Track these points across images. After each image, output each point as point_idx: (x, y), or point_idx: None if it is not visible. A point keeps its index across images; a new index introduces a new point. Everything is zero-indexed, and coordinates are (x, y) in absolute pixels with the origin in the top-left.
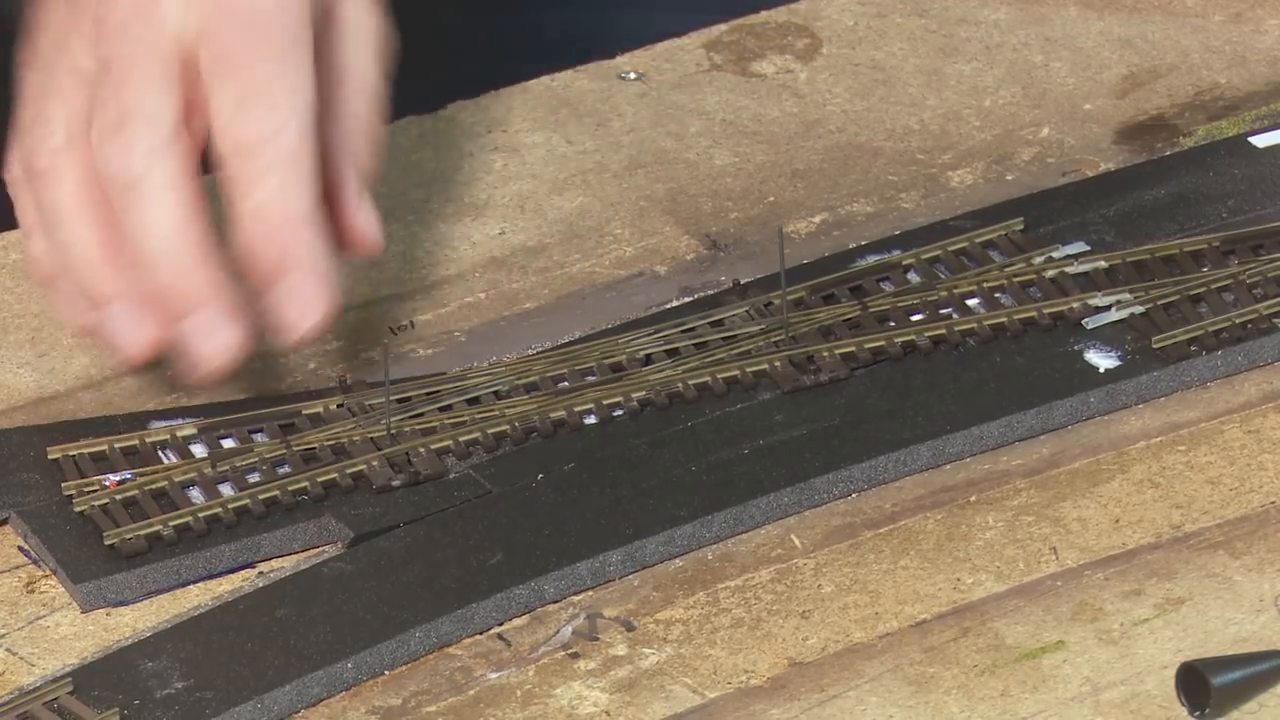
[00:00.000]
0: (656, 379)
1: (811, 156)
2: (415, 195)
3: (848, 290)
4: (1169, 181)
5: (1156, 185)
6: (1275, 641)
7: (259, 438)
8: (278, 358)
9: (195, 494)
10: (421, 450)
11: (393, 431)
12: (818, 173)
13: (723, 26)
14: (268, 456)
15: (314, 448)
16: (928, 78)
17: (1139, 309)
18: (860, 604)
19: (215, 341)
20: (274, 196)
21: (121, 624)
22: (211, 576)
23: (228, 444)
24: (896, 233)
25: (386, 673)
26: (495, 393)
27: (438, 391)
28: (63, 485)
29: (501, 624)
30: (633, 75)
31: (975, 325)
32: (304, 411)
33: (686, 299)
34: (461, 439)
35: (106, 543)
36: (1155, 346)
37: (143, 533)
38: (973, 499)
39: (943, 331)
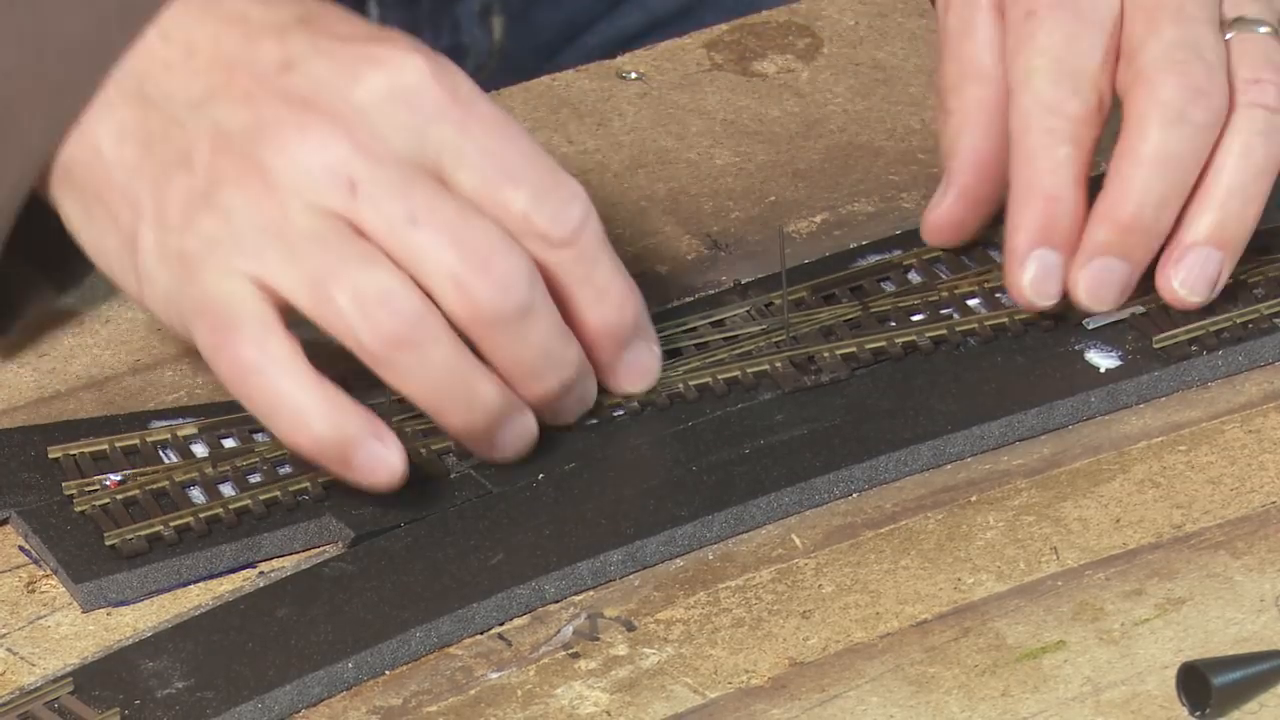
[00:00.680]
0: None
1: (812, 156)
2: None
3: (849, 290)
4: None
5: None
6: (1276, 641)
7: (260, 437)
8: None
9: (196, 494)
10: (423, 450)
11: (400, 435)
12: (819, 172)
13: (723, 26)
14: (269, 456)
15: None
16: (929, 77)
17: (1140, 309)
18: (861, 604)
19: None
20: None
21: (122, 624)
22: (212, 576)
23: (229, 444)
24: (898, 232)
25: (387, 672)
26: None
27: None
28: (63, 485)
29: (502, 624)
30: (633, 75)
31: (976, 325)
32: None
33: (687, 299)
34: None
35: (107, 543)
36: (1156, 346)
37: (143, 533)
38: (973, 499)
39: (944, 332)
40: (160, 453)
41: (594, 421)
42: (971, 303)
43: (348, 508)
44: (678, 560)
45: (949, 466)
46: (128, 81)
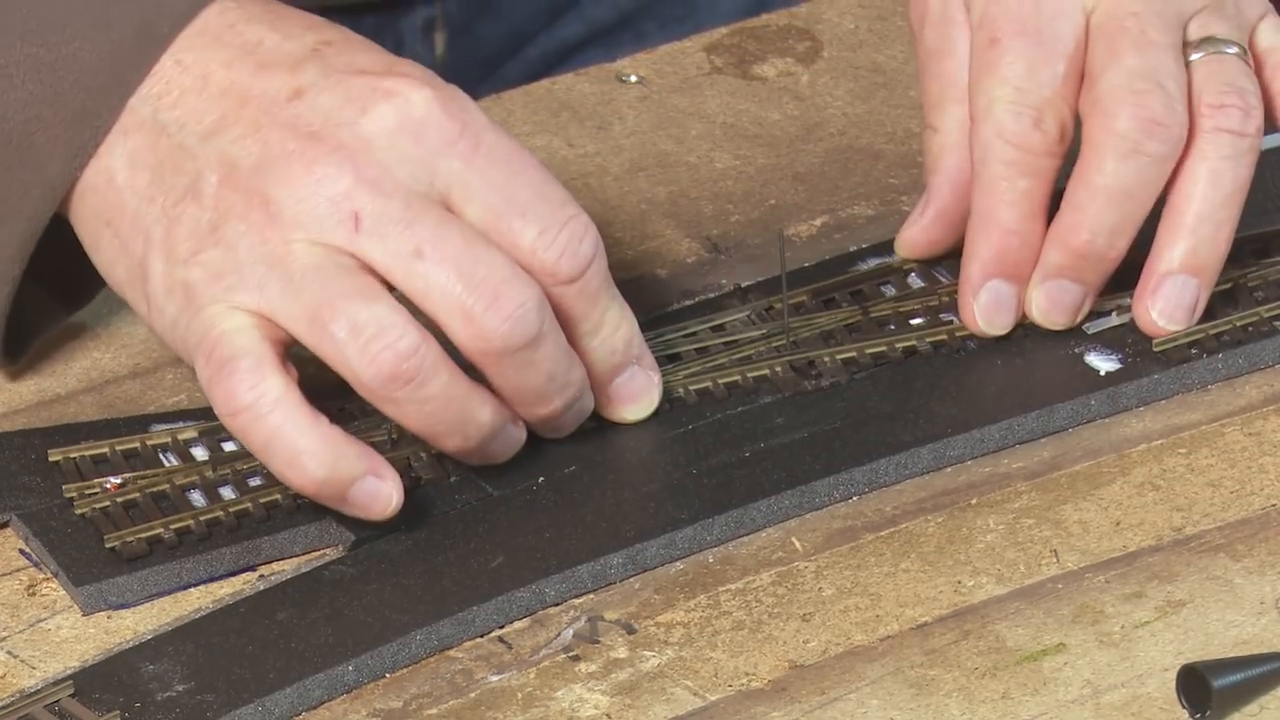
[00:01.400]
0: None
1: (812, 159)
2: None
3: (849, 294)
4: None
5: None
6: (1276, 644)
7: None
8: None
9: (196, 497)
10: (423, 454)
11: (394, 436)
12: (819, 176)
13: (723, 30)
14: None
15: None
16: None
17: None
18: (861, 607)
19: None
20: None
21: (122, 627)
22: (212, 579)
23: (229, 447)
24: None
25: (387, 675)
26: None
27: None
28: (64, 488)
29: (502, 627)
30: (634, 78)
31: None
32: None
33: (687, 302)
34: None
35: (107, 545)
36: (1156, 349)
37: (144, 535)
38: (973, 502)
39: (944, 336)
40: (160, 456)
41: (594, 425)
42: None
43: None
44: (678, 563)
45: (949, 469)
46: (142, 108)
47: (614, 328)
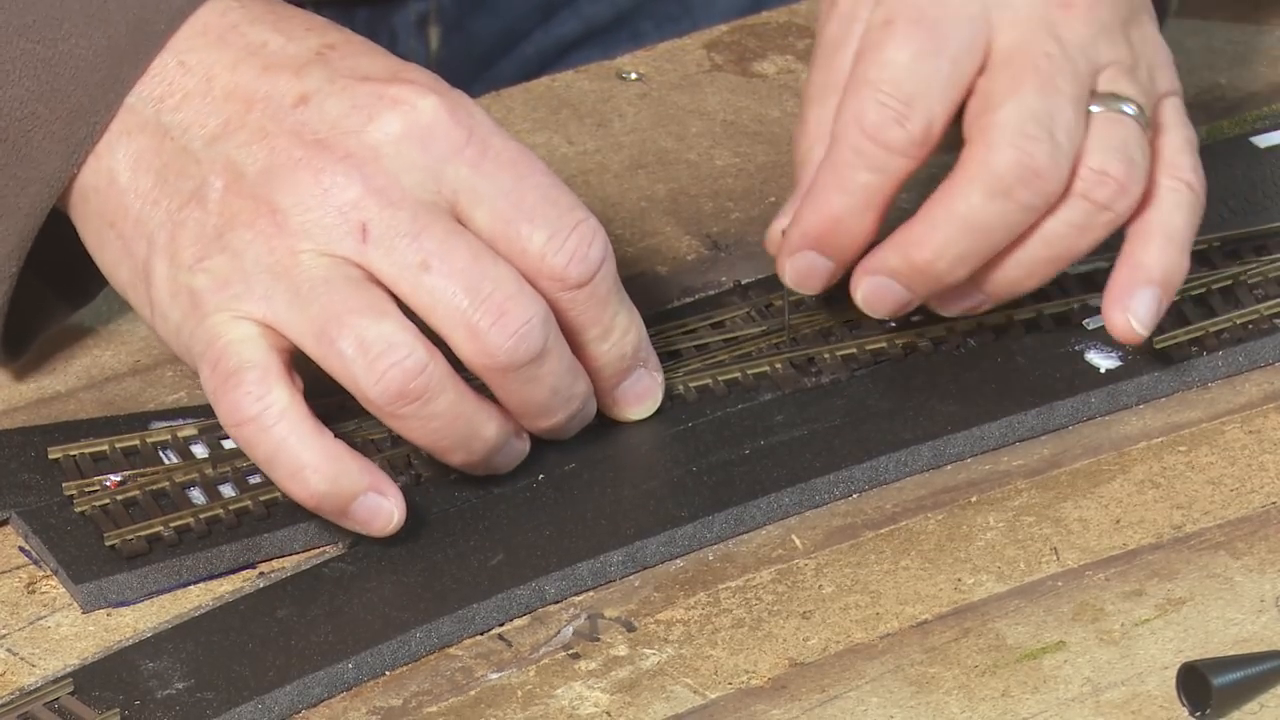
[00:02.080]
0: None
1: None
2: None
3: (849, 292)
4: None
5: None
6: (1276, 642)
7: None
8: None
9: (196, 494)
10: (422, 451)
11: (394, 433)
12: None
13: (723, 27)
14: None
15: None
16: None
17: None
18: (861, 604)
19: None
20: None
21: (122, 624)
22: (212, 577)
23: (228, 444)
24: None
25: (387, 673)
26: None
27: None
28: (63, 486)
29: (502, 624)
30: (634, 75)
31: (976, 326)
32: None
33: (687, 299)
34: None
35: (107, 543)
36: (1156, 347)
37: (143, 533)
38: (974, 499)
39: (943, 333)
40: (160, 453)
41: (594, 422)
42: None
43: None
44: (678, 561)
45: (949, 467)
46: (145, 109)
47: (623, 332)
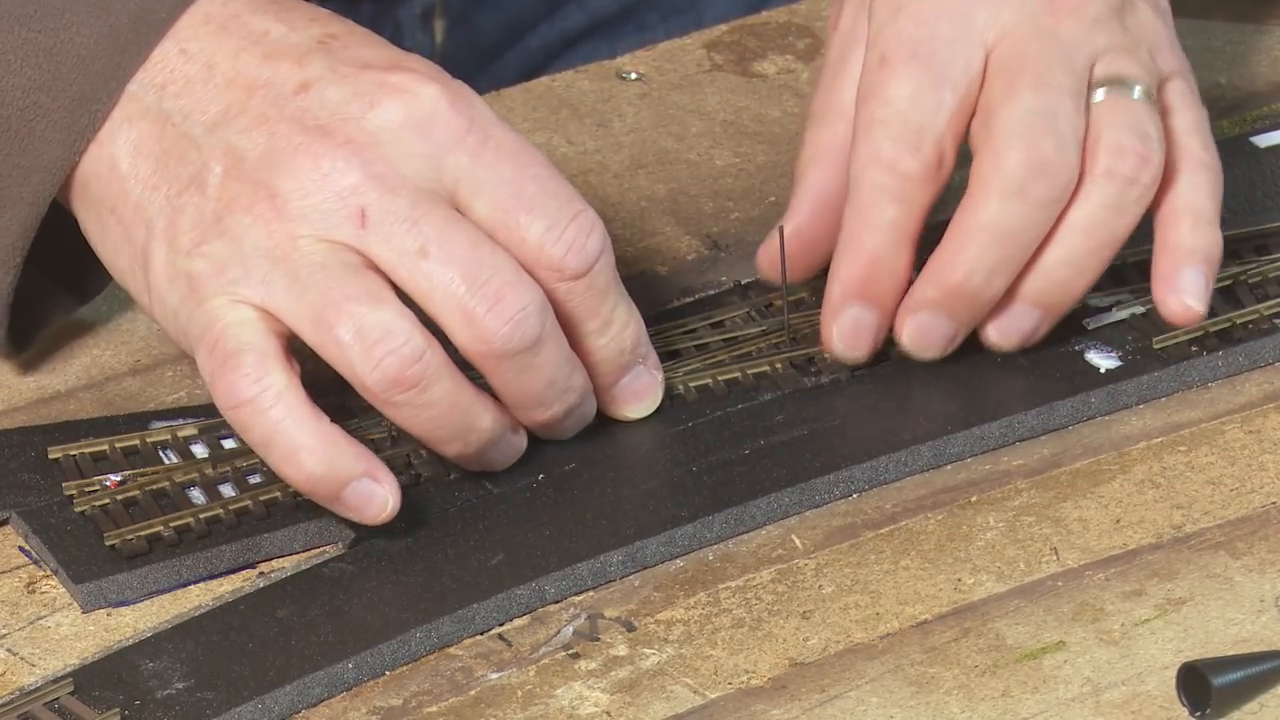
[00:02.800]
0: None
1: None
2: None
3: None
4: None
5: None
6: (1276, 642)
7: None
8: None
9: (196, 494)
10: (423, 451)
11: (394, 433)
12: None
13: (723, 27)
14: None
15: None
16: None
17: (1140, 309)
18: (861, 604)
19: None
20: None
21: (122, 624)
22: (212, 577)
23: (229, 444)
24: None
25: (387, 673)
26: None
27: None
28: (63, 485)
29: (502, 624)
30: (633, 75)
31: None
32: None
33: (687, 299)
34: None
35: (107, 543)
36: (1156, 347)
37: (143, 533)
38: (973, 499)
39: None
40: (160, 453)
41: (594, 422)
42: None
43: None
44: (678, 561)
45: (949, 467)
46: (147, 96)
47: (622, 326)
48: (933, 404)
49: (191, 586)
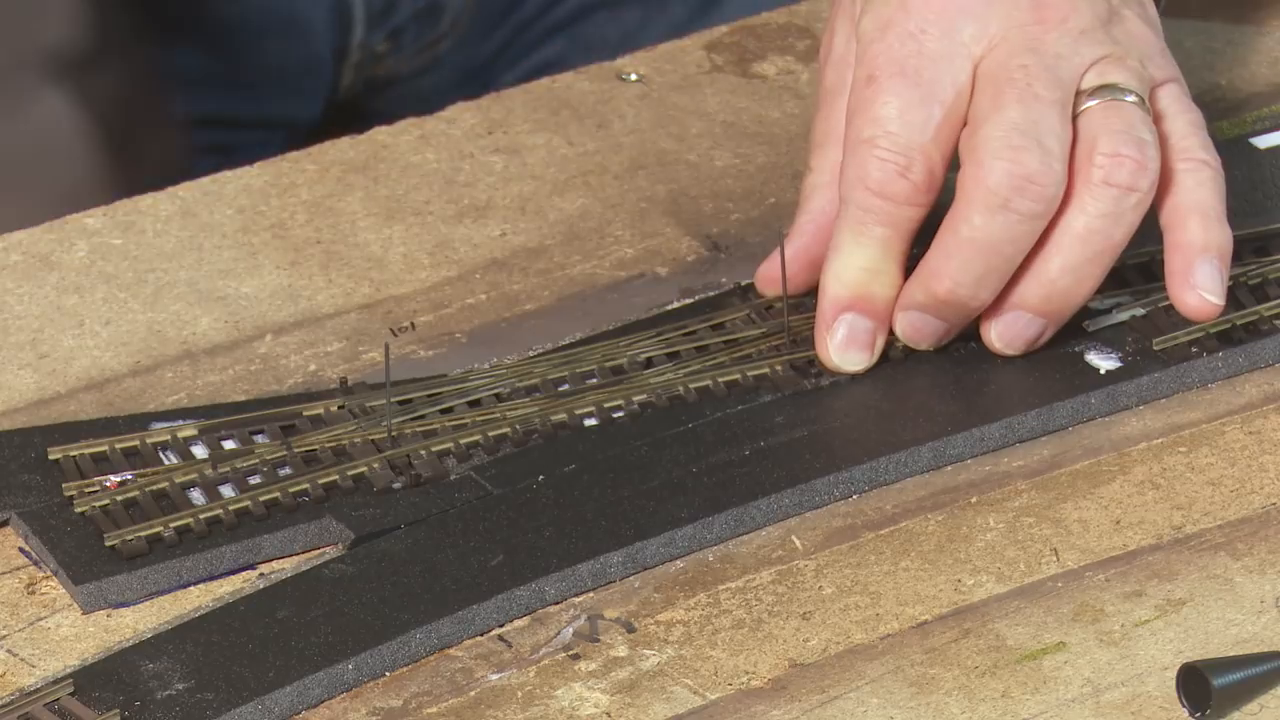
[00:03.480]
0: (657, 382)
1: None
2: (416, 196)
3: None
4: None
5: None
6: (1276, 643)
7: (260, 439)
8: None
9: (196, 495)
10: (422, 452)
11: (394, 434)
12: None
13: (723, 28)
14: (268, 458)
15: (315, 449)
16: None
17: (1140, 311)
18: (861, 605)
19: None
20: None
21: (122, 625)
22: (212, 578)
23: (229, 445)
24: None
25: (387, 674)
26: (496, 395)
27: (439, 393)
28: (63, 486)
29: (502, 625)
30: (633, 76)
31: (976, 326)
32: (305, 413)
33: (687, 300)
34: (462, 441)
35: (107, 544)
36: (1156, 348)
37: (144, 534)
38: (974, 500)
39: None
40: (160, 454)
41: (594, 423)
42: None
43: (348, 509)
44: (678, 562)
45: (949, 468)
46: None
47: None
48: (933, 405)
49: (192, 587)
